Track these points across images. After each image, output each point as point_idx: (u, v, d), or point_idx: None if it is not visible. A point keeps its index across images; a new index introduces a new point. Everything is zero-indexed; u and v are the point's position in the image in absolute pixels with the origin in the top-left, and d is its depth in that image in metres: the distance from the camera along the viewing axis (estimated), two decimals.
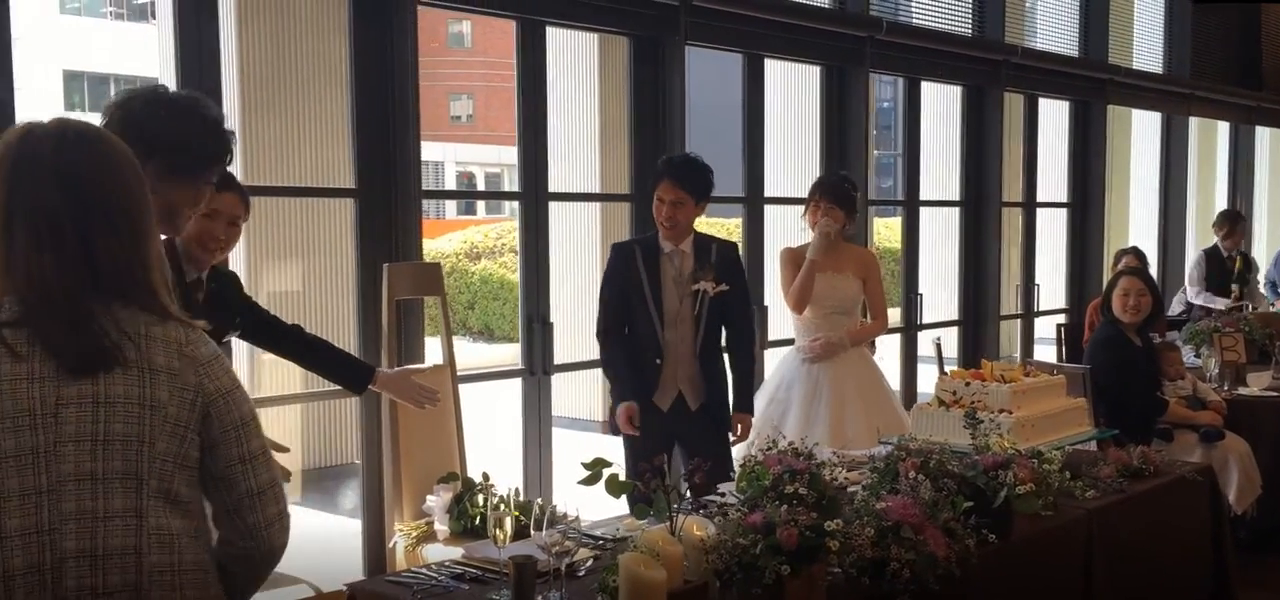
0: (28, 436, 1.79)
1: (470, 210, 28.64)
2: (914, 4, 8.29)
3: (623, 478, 3.04)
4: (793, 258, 5.13)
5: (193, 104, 2.57)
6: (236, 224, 3.31)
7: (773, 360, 7.07)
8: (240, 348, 6.78)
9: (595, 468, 2.83)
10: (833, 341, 5.06)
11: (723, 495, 3.39)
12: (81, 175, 1.86)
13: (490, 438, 8.58)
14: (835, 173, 6.06)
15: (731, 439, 4.63)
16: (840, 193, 5.09)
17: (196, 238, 3.19)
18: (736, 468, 3.47)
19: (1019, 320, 9.48)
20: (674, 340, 4.54)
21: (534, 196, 5.81)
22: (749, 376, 4.75)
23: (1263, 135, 12.95)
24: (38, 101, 29.15)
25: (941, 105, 9.18)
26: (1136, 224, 12.14)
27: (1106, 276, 9.77)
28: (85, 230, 1.85)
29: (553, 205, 6.01)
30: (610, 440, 4.71)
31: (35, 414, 1.80)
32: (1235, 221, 9.11)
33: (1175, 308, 8.96)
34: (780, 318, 7.00)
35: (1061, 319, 9.06)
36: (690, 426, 4.58)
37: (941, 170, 9.11)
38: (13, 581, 1.76)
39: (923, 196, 8.48)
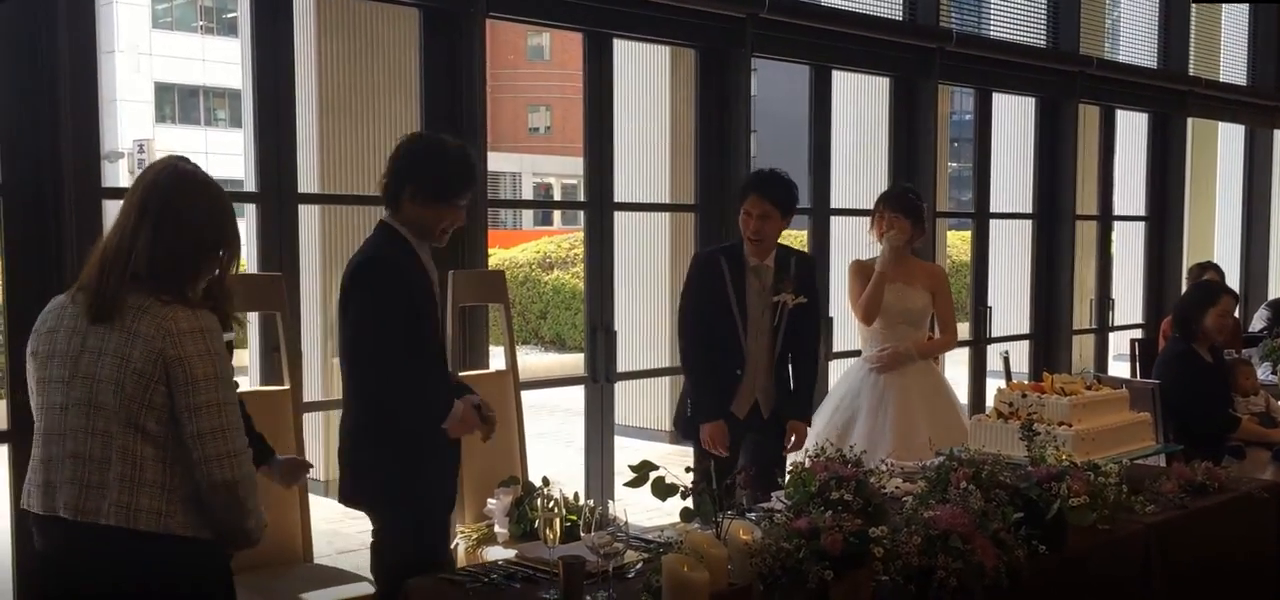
0: (66, 366, 2.57)
1: (547, 221, 28.93)
2: (990, 17, 8.24)
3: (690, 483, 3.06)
4: (861, 270, 5.15)
5: (439, 144, 3.48)
6: None
7: (836, 371, 7.07)
8: (312, 350, 6.97)
9: (641, 470, 2.88)
10: (900, 352, 5.06)
11: (775, 501, 3.42)
12: (153, 194, 2.60)
13: (559, 444, 8.69)
14: (899, 184, 6.04)
15: (787, 446, 4.65)
16: (905, 203, 5.09)
17: None
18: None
19: (1093, 335, 9.34)
20: (755, 351, 4.56)
21: (599, 206, 5.88)
22: (811, 385, 4.75)
23: None
24: (132, 111, 30.08)
25: (1016, 117, 9.09)
26: (1221, 238, 11.87)
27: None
28: (137, 232, 2.58)
29: (621, 215, 6.07)
30: (674, 448, 4.74)
31: (69, 351, 2.57)
32: None
33: (1255, 324, 8.76)
34: (844, 329, 7.00)
35: (1137, 334, 8.91)
36: (761, 433, 4.62)
37: (1015, 182, 9.01)
38: (39, 466, 2.61)
39: (996, 208, 8.40)
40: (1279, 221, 11.59)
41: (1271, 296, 9.79)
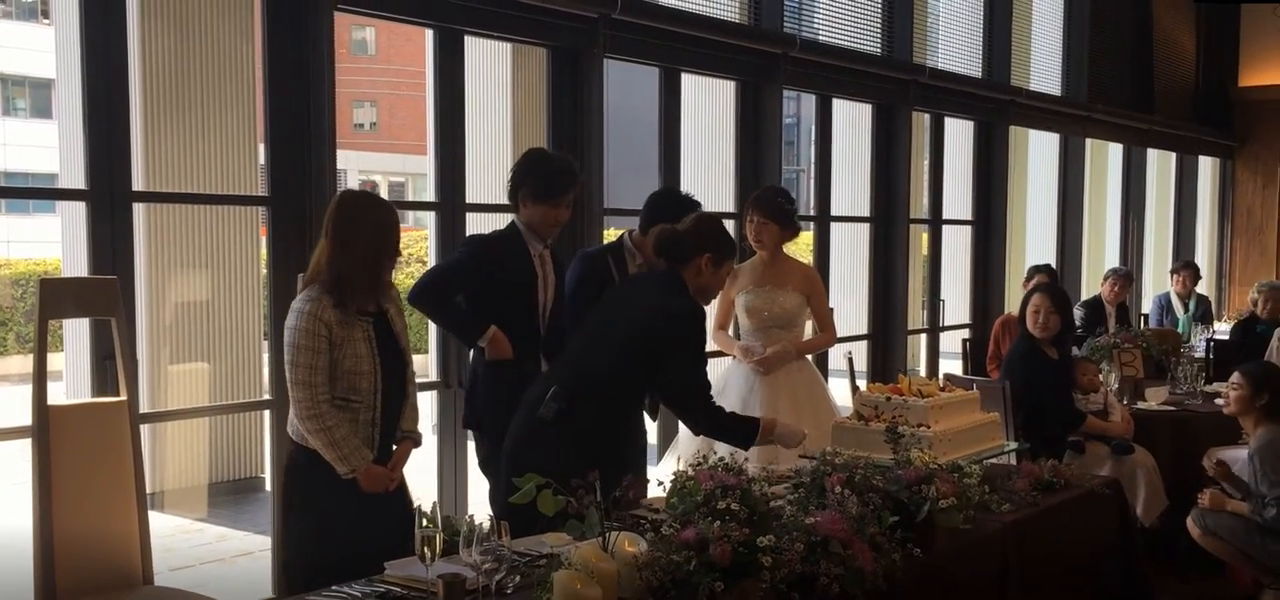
0: None
1: None
2: (825, 22, 8.40)
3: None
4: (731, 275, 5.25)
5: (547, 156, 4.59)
6: None
7: None
8: (143, 358, 6.59)
9: (527, 484, 2.79)
10: (778, 354, 5.11)
11: (652, 511, 3.38)
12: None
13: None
14: (770, 187, 6.05)
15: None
16: (774, 208, 5.17)
17: None
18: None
19: (924, 335, 9.65)
20: None
21: (451, 207, 5.74)
22: None
23: (1152, 157, 13.40)
24: None
25: (851, 122, 9.30)
26: (1033, 242, 12.45)
27: (1011, 293, 10.03)
28: None
29: (469, 216, 5.94)
30: None
31: None
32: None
33: None
34: None
35: (965, 334, 9.25)
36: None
37: (850, 186, 9.23)
38: None
39: (833, 212, 8.58)
40: (1089, 226, 12.24)
41: (1085, 297, 10.32)
